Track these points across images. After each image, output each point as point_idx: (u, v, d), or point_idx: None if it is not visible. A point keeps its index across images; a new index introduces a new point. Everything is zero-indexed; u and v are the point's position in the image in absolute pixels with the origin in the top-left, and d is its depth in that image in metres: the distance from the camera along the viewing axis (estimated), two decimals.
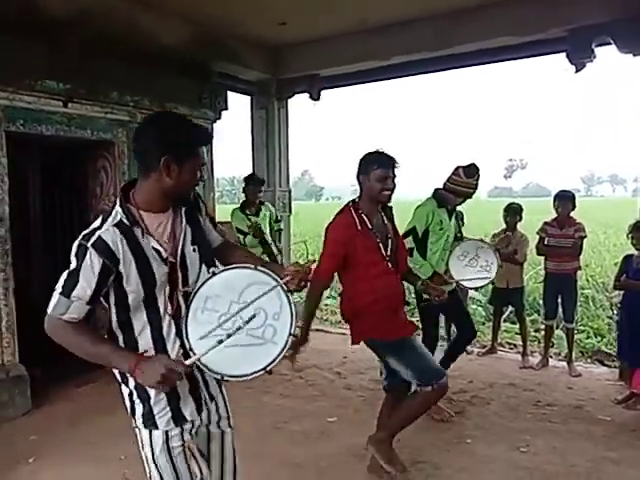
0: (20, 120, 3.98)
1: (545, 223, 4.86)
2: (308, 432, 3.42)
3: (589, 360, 5.18)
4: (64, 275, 1.56)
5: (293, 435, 3.48)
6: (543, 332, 6.08)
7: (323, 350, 4.91)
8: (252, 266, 1.68)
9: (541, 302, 6.66)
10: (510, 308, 5.67)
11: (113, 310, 1.63)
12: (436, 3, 4.74)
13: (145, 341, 1.64)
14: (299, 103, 6.69)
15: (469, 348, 5.45)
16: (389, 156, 2.66)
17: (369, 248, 2.64)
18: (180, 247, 1.67)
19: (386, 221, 2.75)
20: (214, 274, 1.68)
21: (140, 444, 1.72)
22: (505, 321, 5.91)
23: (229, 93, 6.01)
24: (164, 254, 1.62)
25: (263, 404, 3.71)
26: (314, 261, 1.86)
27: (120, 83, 4.66)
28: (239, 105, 6.75)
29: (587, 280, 7.62)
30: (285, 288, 1.63)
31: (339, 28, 5.33)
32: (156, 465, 1.68)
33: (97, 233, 1.53)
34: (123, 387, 1.70)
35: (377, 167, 2.62)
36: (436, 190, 3.72)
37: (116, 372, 1.68)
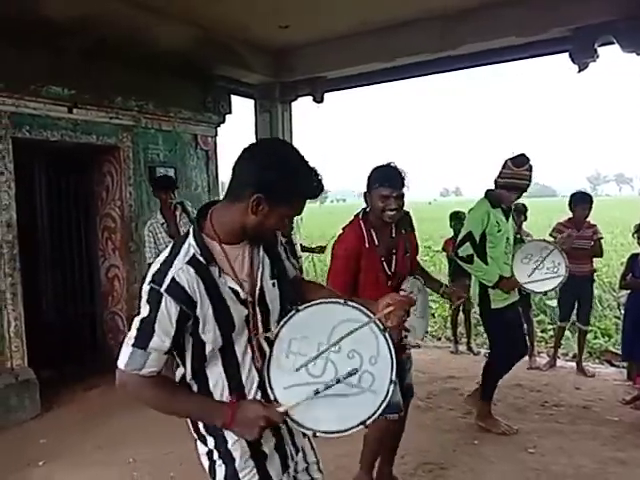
0: (26, 126, 4.02)
1: (560, 224, 4.75)
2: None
3: (597, 360, 5.15)
4: (136, 324, 1.35)
5: None
6: (552, 333, 6.08)
7: None
8: (341, 301, 1.43)
9: (547, 302, 6.66)
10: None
11: (188, 360, 1.42)
12: (439, 4, 4.74)
13: (221, 395, 1.43)
14: (303, 106, 6.72)
15: (476, 349, 5.46)
16: (394, 173, 2.42)
17: (372, 268, 2.48)
18: (259, 283, 1.45)
19: (394, 234, 2.57)
20: (297, 311, 1.43)
21: None
22: None
23: (233, 97, 6.04)
24: (242, 295, 1.40)
25: None
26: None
27: (124, 88, 4.70)
28: (243, 109, 6.78)
29: (593, 280, 7.58)
30: (381, 326, 1.39)
31: (342, 30, 5.33)
32: None
33: (170, 274, 1.32)
34: (200, 444, 1.51)
35: (378, 185, 2.41)
36: (487, 191, 3.45)
37: (191, 428, 1.51)
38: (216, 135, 5.82)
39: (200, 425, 1.48)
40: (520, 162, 3.28)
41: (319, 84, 6.17)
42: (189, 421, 1.51)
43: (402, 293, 1.45)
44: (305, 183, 1.38)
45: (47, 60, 4.08)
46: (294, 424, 1.39)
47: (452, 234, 5.47)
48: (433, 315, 6.82)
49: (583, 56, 4.65)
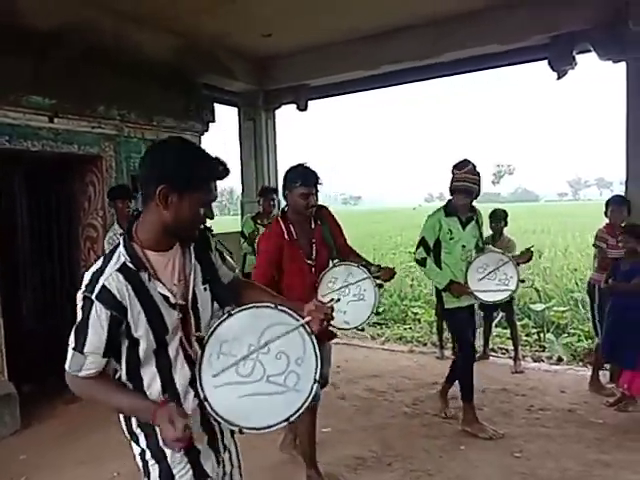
0: (6, 136, 3.96)
1: (600, 231, 4.36)
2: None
3: (580, 363, 5.20)
4: (74, 329, 1.44)
5: None
6: (537, 337, 6.12)
7: None
8: (272, 305, 1.54)
9: (531, 307, 6.72)
10: (501, 313, 5.70)
11: (123, 360, 1.50)
12: (423, 13, 4.80)
13: (155, 393, 1.50)
14: (287, 113, 6.74)
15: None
16: (311, 173, 2.75)
17: (294, 258, 2.79)
18: (191, 288, 1.54)
19: (313, 225, 2.90)
20: (230, 315, 1.53)
21: None
22: (497, 326, 5.93)
23: (216, 105, 6.03)
24: (172, 299, 1.49)
25: None
26: (338, 300, 1.74)
27: (107, 97, 4.65)
28: (227, 117, 6.77)
29: (576, 283, 7.69)
30: (309, 330, 1.50)
31: (325, 38, 5.37)
32: None
33: (100, 281, 1.41)
34: (134, 445, 1.58)
35: (299, 184, 2.73)
36: (448, 200, 3.64)
37: (124, 428, 1.58)
38: (200, 143, 5.79)
39: (133, 423, 1.54)
40: (461, 165, 3.48)
41: (302, 92, 6.20)
42: (122, 422, 1.57)
43: (322, 300, 1.65)
44: (203, 164, 1.46)
45: (27, 69, 4.03)
46: (222, 421, 1.47)
47: None
48: (419, 321, 6.85)
49: (561, 63, 4.75)
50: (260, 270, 2.82)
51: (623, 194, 4.60)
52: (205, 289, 1.58)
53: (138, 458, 1.56)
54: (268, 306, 1.54)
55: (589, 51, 4.61)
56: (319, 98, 6.46)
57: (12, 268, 4.48)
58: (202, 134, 5.79)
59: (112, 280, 1.41)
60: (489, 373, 4.92)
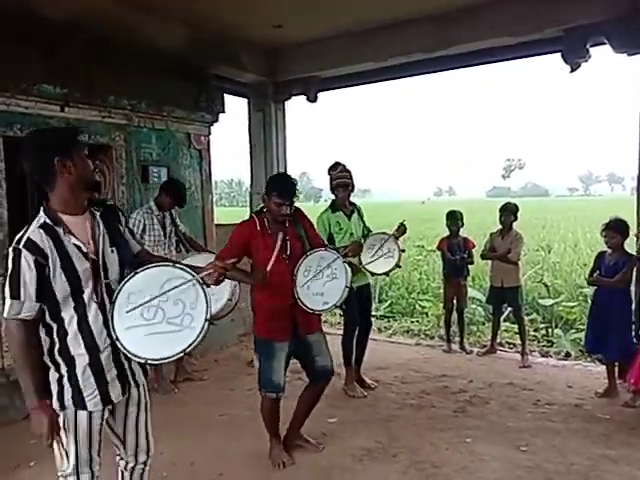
0: (17, 125, 3.99)
1: None
2: (308, 433, 3.43)
3: (588, 359, 5.18)
4: (8, 280, 1.75)
5: None
6: (544, 332, 6.09)
7: None
8: (170, 263, 1.91)
9: (539, 301, 6.68)
10: (509, 308, 5.68)
11: (45, 303, 1.79)
12: (433, 4, 4.75)
13: (73, 330, 1.82)
14: (297, 105, 6.72)
15: (468, 348, 5.48)
16: (288, 185, 3.01)
17: (266, 247, 2.98)
18: (101, 247, 1.88)
19: (287, 224, 3.08)
20: (136, 273, 1.85)
21: (63, 422, 1.87)
22: (505, 321, 5.91)
23: (226, 96, 6.02)
24: (84, 249, 1.81)
25: None
26: (238, 260, 2.19)
27: (117, 87, 4.67)
28: (237, 107, 6.76)
29: (586, 279, 7.62)
30: (201, 281, 1.85)
31: (335, 30, 5.34)
32: (76, 440, 1.88)
33: (26, 235, 1.76)
34: (52, 372, 1.86)
35: (276, 194, 2.98)
36: (333, 200, 4.27)
37: (46, 358, 1.86)
38: (209, 134, 5.80)
39: (55, 352, 1.83)
40: (333, 167, 4.16)
41: (312, 83, 6.17)
42: (45, 349, 1.84)
43: (219, 262, 2.02)
44: (60, 132, 2.04)
45: (39, 59, 4.05)
46: (131, 356, 1.82)
47: (448, 233, 5.50)
48: (426, 314, 6.84)
49: (575, 56, 4.68)
50: (223, 249, 3.08)
51: (635, 190, 4.56)
52: (112, 251, 1.91)
53: (55, 383, 1.85)
54: (167, 264, 1.90)
55: (603, 44, 4.54)
56: (329, 89, 6.42)
57: None
58: (212, 125, 5.79)
59: (35, 233, 1.76)
60: (496, 367, 4.92)
